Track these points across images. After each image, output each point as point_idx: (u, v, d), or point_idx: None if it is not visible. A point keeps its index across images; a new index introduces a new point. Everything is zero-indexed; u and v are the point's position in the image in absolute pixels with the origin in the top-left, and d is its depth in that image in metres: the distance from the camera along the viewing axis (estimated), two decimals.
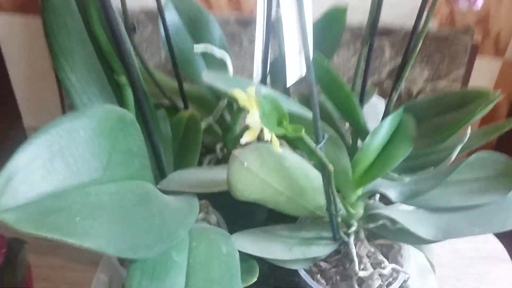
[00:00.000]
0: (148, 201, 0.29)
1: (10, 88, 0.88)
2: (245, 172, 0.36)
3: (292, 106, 0.41)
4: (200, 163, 0.57)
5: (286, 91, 0.50)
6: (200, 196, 0.55)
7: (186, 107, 0.54)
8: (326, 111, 0.51)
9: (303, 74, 0.36)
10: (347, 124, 0.54)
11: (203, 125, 0.50)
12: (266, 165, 0.37)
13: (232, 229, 0.49)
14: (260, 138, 0.30)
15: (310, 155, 0.42)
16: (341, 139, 0.45)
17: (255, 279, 0.40)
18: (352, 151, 0.45)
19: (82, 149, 0.24)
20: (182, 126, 0.49)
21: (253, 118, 0.29)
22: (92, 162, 0.24)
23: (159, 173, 0.42)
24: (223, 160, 0.57)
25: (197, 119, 0.49)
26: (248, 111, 0.29)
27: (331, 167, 0.37)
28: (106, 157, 0.25)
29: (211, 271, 0.32)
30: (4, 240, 0.50)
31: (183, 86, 0.53)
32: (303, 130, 0.32)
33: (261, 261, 0.42)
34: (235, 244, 0.35)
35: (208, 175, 0.42)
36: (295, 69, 0.35)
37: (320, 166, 0.38)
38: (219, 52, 0.51)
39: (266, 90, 0.40)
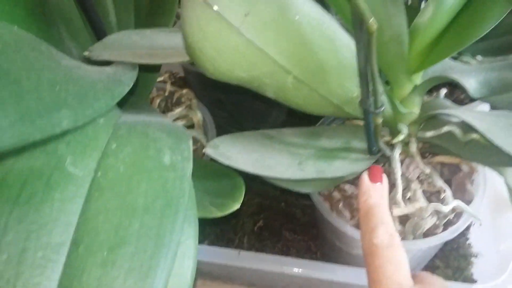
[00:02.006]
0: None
1: None
2: (216, 24, 0.20)
3: None
4: None
5: None
6: (184, 83, 0.40)
7: None
8: None
9: None
10: None
11: None
12: (258, 14, 0.21)
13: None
14: None
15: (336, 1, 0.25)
16: None
17: (237, 206, 0.25)
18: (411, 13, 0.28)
19: None
20: None
21: None
22: None
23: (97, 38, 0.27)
24: None
25: None
26: None
27: (373, 21, 0.20)
28: None
29: (131, 193, 0.17)
30: None
31: None
32: None
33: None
34: (189, 152, 0.20)
35: (172, 38, 0.26)
36: None
37: (354, 21, 0.21)
38: None
39: None
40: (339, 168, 0.29)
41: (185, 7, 0.20)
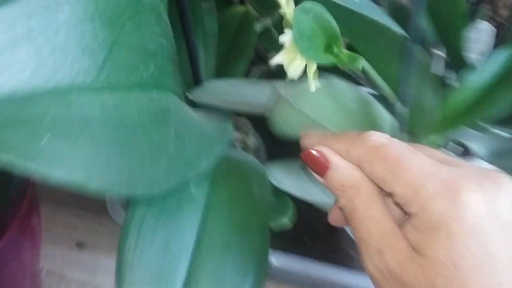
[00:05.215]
0: (163, 121, 0.22)
1: None
2: (291, 111, 0.28)
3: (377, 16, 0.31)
4: (248, 73, 0.49)
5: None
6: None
7: (242, 1, 0.45)
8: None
9: None
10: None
11: (258, 27, 0.40)
12: (316, 103, 0.29)
13: (273, 158, 0.42)
14: None
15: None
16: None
17: (287, 220, 0.33)
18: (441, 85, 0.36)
19: (64, 35, 0.16)
20: (234, 25, 0.40)
21: (287, 37, 0.21)
22: (80, 57, 0.17)
23: (194, 81, 0.35)
24: (277, 73, 0.48)
25: (252, 18, 0.40)
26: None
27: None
28: (103, 53, 0.18)
29: (233, 213, 0.25)
30: None
31: None
32: (361, 61, 0.23)
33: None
34: (269, 184, 0.28)
35: (252, 91, 0.34)
36: None
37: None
38: None
39: None
40: None
41: (276, 103, 0.28)
